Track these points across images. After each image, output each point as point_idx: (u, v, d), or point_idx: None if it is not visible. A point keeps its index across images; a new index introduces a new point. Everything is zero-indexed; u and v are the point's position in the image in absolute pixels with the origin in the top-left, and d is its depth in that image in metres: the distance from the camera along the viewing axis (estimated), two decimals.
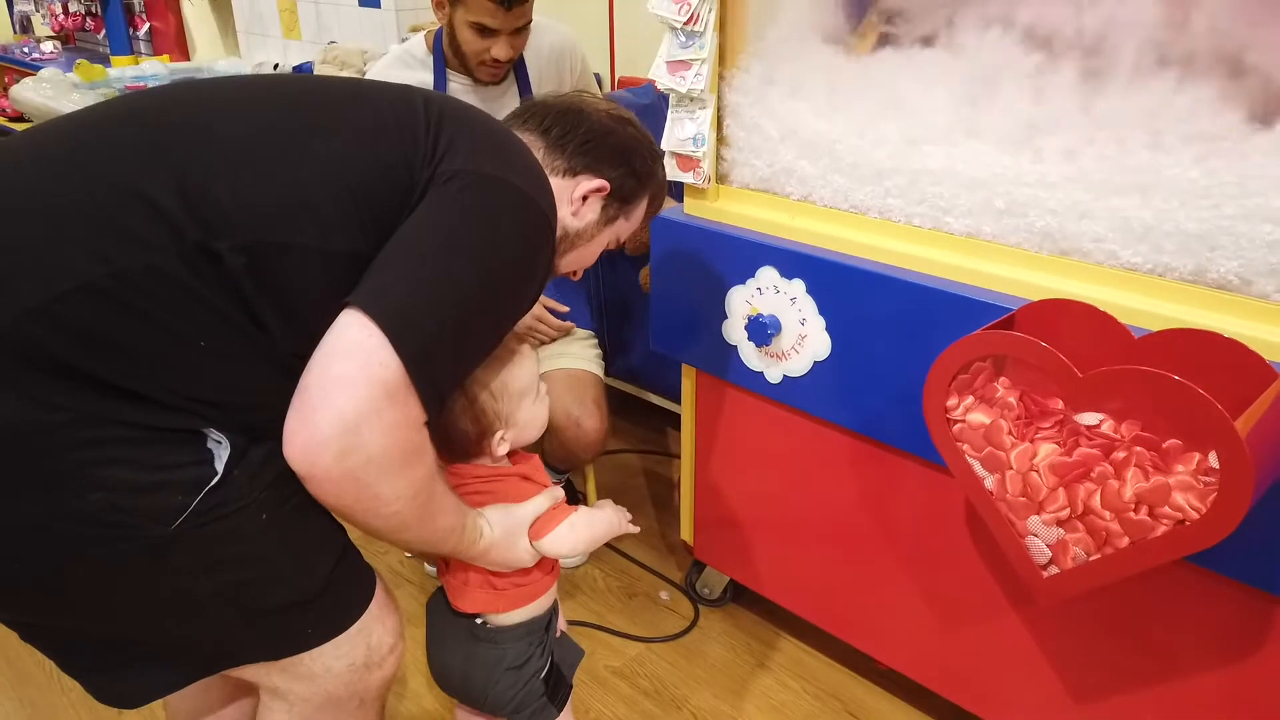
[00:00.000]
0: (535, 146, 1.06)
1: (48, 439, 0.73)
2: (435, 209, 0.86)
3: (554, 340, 1.81)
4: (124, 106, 0.87)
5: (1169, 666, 1.18)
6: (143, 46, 4.35)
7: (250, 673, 0.94)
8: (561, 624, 1.25)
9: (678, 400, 1.70)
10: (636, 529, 1.18)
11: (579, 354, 1.80)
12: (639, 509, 2.10)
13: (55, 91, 3.14)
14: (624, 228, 1.15)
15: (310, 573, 0.90)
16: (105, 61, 3.53)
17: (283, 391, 0.81)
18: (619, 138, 1.10)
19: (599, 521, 1.12)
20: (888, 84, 1.26)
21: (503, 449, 1.08)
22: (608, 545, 1.98)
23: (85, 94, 3.05)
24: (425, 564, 1.90)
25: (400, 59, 1.87)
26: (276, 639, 0.91)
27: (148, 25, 4.39)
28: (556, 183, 1.04)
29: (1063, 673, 1.29)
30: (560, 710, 1.20)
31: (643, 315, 1.92)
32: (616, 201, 1.11)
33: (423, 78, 1.83)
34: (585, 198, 1.08)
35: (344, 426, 0.78)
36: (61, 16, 4.56)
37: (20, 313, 0.72)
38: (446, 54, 1.81)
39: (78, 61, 3.32)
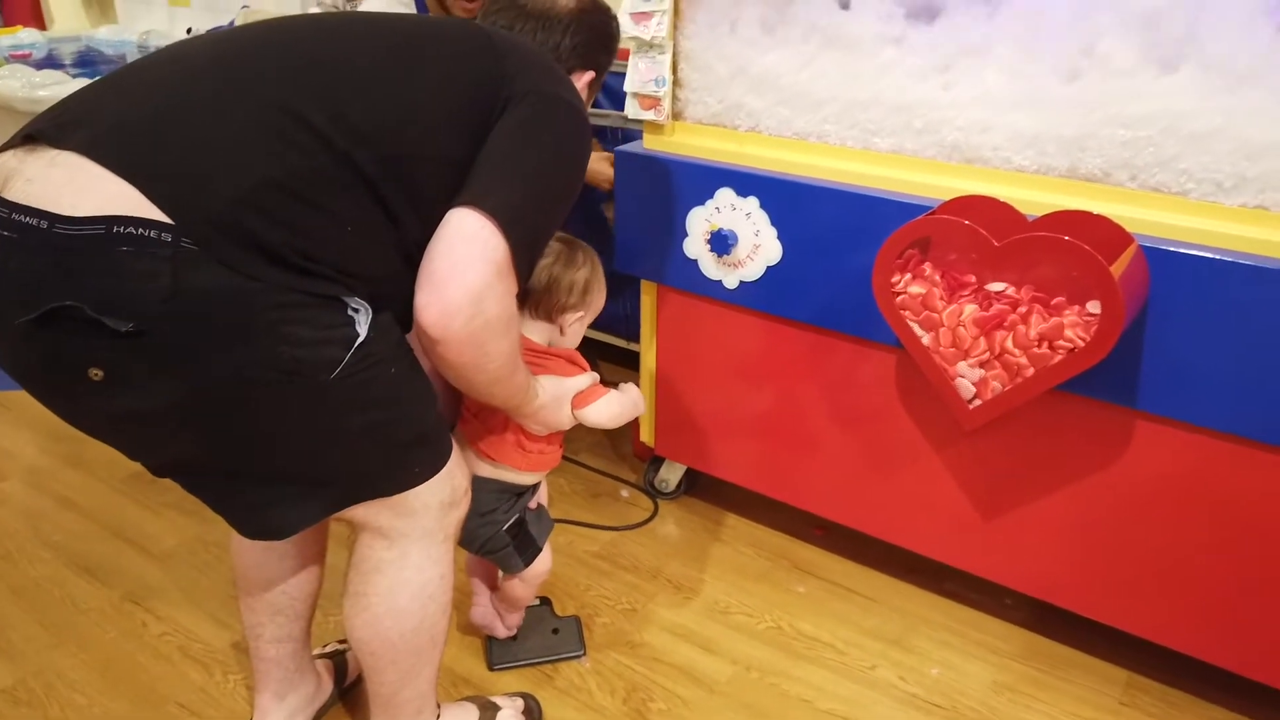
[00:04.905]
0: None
1: (250, 302, 0.91)
2: (516, 123, 1.07)
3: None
4: (263, 37, 1.03)
5: (1057, 479, 1.51)
6: None
7: (362, 511, 1.12)
8: (542, 498, 1.49)
9: (617, 334, 1.90)
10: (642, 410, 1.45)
11: None
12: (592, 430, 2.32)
13: None
14: (596, 85, 1.42)
15: (425, 416, 1.11)
16: None
17: (403, 272, 1.02)
18: (596, 31, 1.35)
19: (628, 400, 1.39)
20: (824, 25, 1.53)
21: (571, 330, 1.35)
22: (567, 458, 2.21)
23: None
24: None
25: None
26: (398, 473, 1.10)
27: None
28: None
29: (974, 499, 1.61)
30: (526, 565, 1.44)
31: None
32: (598, 76, 1.38)
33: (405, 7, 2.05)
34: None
35: (471, 297, 0.99)
36: None
37: (228, 199, 0.89)
38: None
39: None
